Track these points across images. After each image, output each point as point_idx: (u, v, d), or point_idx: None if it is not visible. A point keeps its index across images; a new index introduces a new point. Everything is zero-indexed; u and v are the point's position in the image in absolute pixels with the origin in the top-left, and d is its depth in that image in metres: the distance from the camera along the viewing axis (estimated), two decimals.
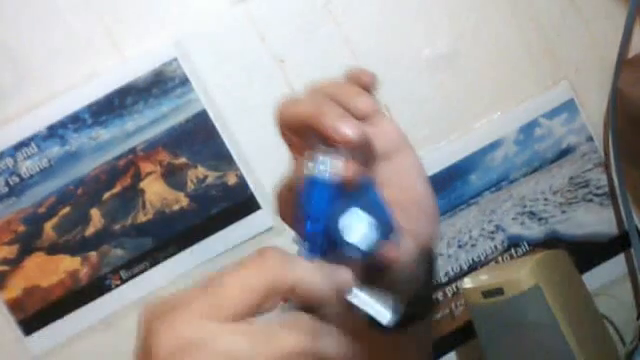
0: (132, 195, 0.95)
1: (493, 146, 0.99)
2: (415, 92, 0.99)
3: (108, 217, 0.95)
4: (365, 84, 0.44)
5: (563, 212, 1.00)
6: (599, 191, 1.00)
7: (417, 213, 0.45)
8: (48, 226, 0.94)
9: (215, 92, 0.96)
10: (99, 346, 0.95)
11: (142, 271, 0.95)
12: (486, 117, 1.00)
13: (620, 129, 0.97)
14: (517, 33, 1.00)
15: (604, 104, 1.01)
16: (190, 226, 0.96)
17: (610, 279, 1.01)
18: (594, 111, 1.01)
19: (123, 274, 0.95)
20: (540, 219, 1.00)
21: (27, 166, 0.94)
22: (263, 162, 0.95)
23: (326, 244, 0.40)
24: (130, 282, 0.95)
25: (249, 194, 0.96)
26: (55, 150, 0.94)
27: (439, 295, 0.99)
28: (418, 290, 0.49)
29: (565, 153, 1.00)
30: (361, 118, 0.41)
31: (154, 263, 0.95)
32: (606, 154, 1.00)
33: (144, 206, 0.95)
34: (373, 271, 0.42)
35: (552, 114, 0.99)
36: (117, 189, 0.95)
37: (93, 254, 0.95)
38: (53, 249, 0.94)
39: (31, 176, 0.94)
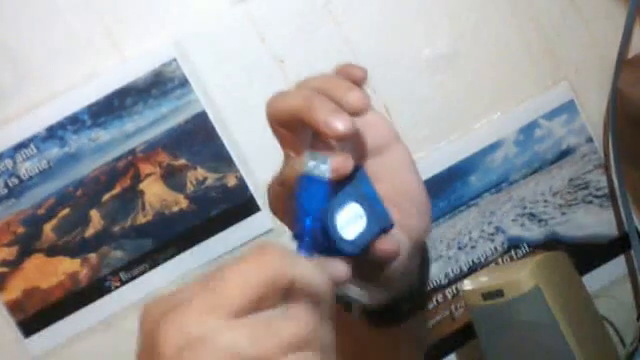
0: (132, 196, 0.95)
1: (493, 147, 0.99)
2: (415, 92, 0.99)
3: (108, 218, 0.95)
4: (356, 78, 0.44)
5: (563, 214, 1.00)
6: (599, 192, 1.00)
7: (409, 207, 0.46)
8: (48, 227, 0.94)
9: (215, 93, 0.96)
10: (99, 347, 0.95)
11: (142, 272, 0.95)
12: (486, 118, 1.00)
13: (620, 130, 0.97)
14: (517, 33, 1.00)
15: (604, 105, 1.01)
16: (190, 228, 0.96)
17: (610, 280, 1.01)
18: (594, 112, 1.01)
19: (123, 275, 0.95)
20: (540, 221, 0.99)
21: (26, 167, 0.94)
22: (263, 164, 0.95)
23: (322, 239, 0.40)
24: (130, 284, 0.95)
25: (249, 196, 0.96)
26: (54, 151, 0.94)
27: (439, 297, 0.99)
28: (412, 284, 0.49)
29: (565, 154, 1.00)
30: (352, 112, 0.41)
31: (154, 265, 0.95)
32: (606, 155, 1.00)
33: (144, 207, 0.95)
34: (368, 266, 0.42)
35: (552, 115, 0.99)
36: (117, 190, 0.95)
37: (93, 255, 0.95)
38: (53, 250, 0.94)
39: (30, 177, 0.94)
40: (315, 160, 0.41)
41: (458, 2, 0.99)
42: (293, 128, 0.43)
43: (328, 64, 0.45)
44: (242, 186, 0.96)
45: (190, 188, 0.95)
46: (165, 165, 0.95)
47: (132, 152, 0.95)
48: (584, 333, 0.82)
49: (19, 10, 0.94)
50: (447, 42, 0.99)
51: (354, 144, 0.45)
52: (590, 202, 1.00)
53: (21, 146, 0.93)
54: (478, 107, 1.00)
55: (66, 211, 0.94)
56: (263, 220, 0.96)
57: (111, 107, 0.94)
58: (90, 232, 0.95)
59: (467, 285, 0.88)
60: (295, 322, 0.34)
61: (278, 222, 0.47)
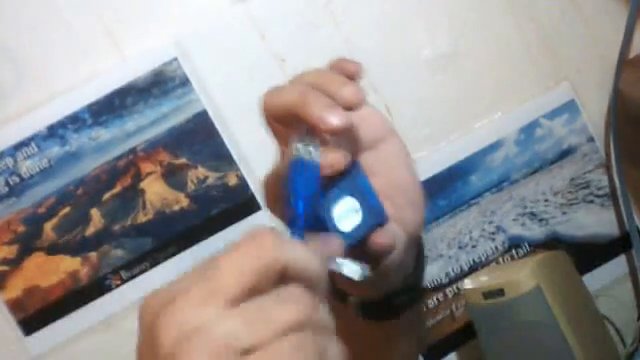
0: (132, 195, 0.95)
1: (494, 147, 0.99)
2: (415, 92, 0.99)
3: (108, 217, 0.95)
4: (350, 73, 0.44)
5: (564, 213, 1.00)
6: (600, 192, 1.00)
7: (404, 201, 0.46)
8: (48, 226, 0.94)
9: (215, 92, 0.96)
10: (99, 346, 0.95)
11: (142, 271, 0.95)
12: (487, 117, 1.00)
13: (621, 129, 0.97)
14: (517, 33, 1.00)
15: (605, 104, 1.01)
16: (190, 226, 0.95)
17: (611, 280, 1.01)
18: (595, 111, 1.01)
19: (123, 274, 0.95)
20: (541, 220, 0.99)
21: (27, 166, 0.94)
22: (263, 162, 0.95)
23: (314, 222, 0.40)
24: (130, 282, 0.95)
25: (249, 195, 0.96)
26: (55, 150, 0.94)
27: (440, 296, 0.99)
28: (407, 277, 0.49)
29: (566, 154, 1.00)
30: (346, 107, 0.42)
31: (154, 263, 0.95)
32: (607, 155, 1.00)
33: (144, 206, 0.95)
34: (364, 260, 0.42)
35: (553, 115, 0.99)
36: (117, 189, 0.95)
37: (93, 254, 0.95)
38: (53, 249, 0.94)
39: (31, 176, 0.94)
40: (304, 144, 0.41)
41: (458, 2, 0.99)
42: (287, 123, 0.43)
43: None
44: (243, 185, 0.96)
45: (191, 187, 0.95)
46: (166, 164, 0.95)
47: (133, 151, 0.95)
48: (584, 333, 0.82)
49: (19, 10, 0.94)
50: (447, 42, 0.99)
51: (349, 138, 0.45)
52: (591, 202, 1.00)
53: (22, 145, 0.93)
54: (479, 107, 1.00)
55: (67, 210, 0.94)
56: (264, 219, 0.95)
57: (112, 106, 0.94)
58: (91, 231, 0.95)
59: (468, 284, 0.88)
60: (290, 306, 0.34)
61: (279, 221, 0.47)
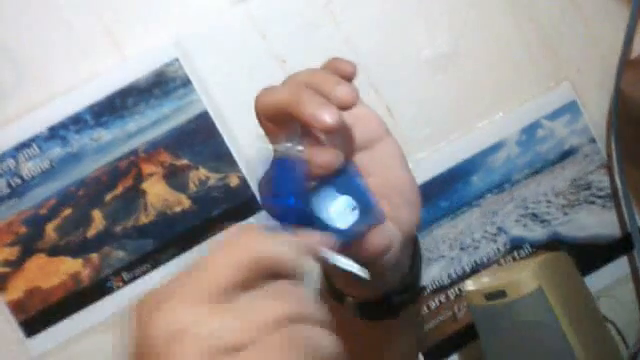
0: (134, 196, 0.95)
1: (495, 147, 0.99)
2: (416, 93, 0.99)
3: (110, 218, 0.95)
4: (345, 73, 0.44)
5: (565, 214, 1.00)
6: (601, 193, 1.00)
7: (400, 200, 0.46)
8: (49, 227, 0.94)
9: (216, 93, 0.96)
10: (101, 347, 0.95)
11: (144, 273, 0.95)
12: (488, 118, 1.00)
13: (623, 130, 0.97)
14: (518, 33, 1.00)
15: (606, 105, 1.01)
16: (192, 228, 0.95)
17: (613, 281, 1.00)
18: (596, 112, 1.01)
19: (125, 276, 0.95)
20: (542, 221, 0.99)
21: (29, 167, 0.93)
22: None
23: (303, 219, 0.41)
24: (132, 284, 0.95)
25: (251, 196, 0.96)
26: (56, 151, 0.94)
27: (442, 297, 0.99)
28: (404, 277, 0.49)
29: (567, 154, 1.00)
30: (340, 106, 0.42)
31: (156, 265, 0.95)
32: (609, 156, 1.00)
33: (146, 207, 0.95)
34: (359, 259, 0.43)
35: (554, 115, 0.99)
36: (119, 190, 0.94)
37: (94, 256, 0.95)
38: (54, 251, 0.94)
39: (32, 177, 0.93)
40: (291, 142, 0.41)
41: (458, 2, 0.99)
42: (281, 122, 0.43)
43: None
44: (244, 186, 0.95)
45: (192, 188, 0.95)
46: (167, 165, 0.95)
47: (134, 152, 0.94)
48: (586, 334, 0.82)
49: (19, 10, 0.94)
50: (448, 42, 0.99)
51: (344, 138, 0.45)
52: (592, 202, 1.00)
53: (23, 146, 0.93)
54: (480, 107, 1.00)
55: (68, 211, 0.94)
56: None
57: (113, 107, 0.94)
58: (92, 232, 0.94)
59: (469, 286, 0.88)
60: (278, 301, 0.34)
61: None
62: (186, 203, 0.95)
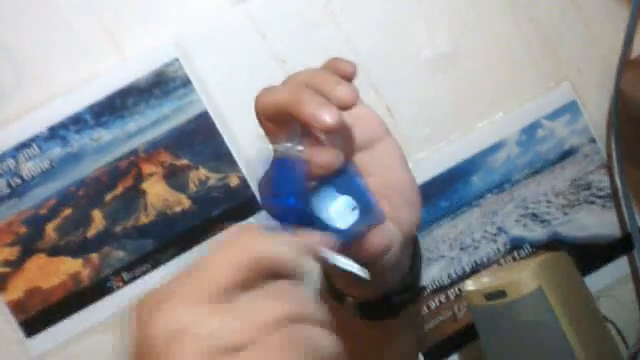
0: (134, 196, 0.95)
1: (495, 147, 0.99)
2: (416, 92, 0.99)
3: (110, 218, 0.94)
4: (345, 73, 0.44)
5: (565, 214, 1.00)
6: (601, 193, 1.00)
7: (400, 200, 0.46)
8: (49, 227, 0.94)
9: (216, 93, 0.96)
10: (101, 347, 0.95)
11: (144, 273, 0.95)
12: (488, 118, 1.00)
13: (623, 130, 0.97)
14: (517, 33, 1.00)
15: (606, 105, 1.01)
16: (192, 228, 0.95)
17: (612, 281, 1.00)
18: (596, 112, 1.01)
19: (125, 276, 0.95)
20: (542, 221, 0.99)
21: (29, 167, 0.93)
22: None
23: (302, 219, 0.41)
24: (132, 284, 0.95)
25: (251, 196, 0.95)
26: (56, 151, 0.94)
27: (441, 297, 0.99)
28: (404, 277, 0.49)
29: (567, 155, 1.00)
30: (340, 106, 0.42)
31: (156, 265, 0.95)
32: (609, 156, 1.00)
33: (146, 208, 0.95)
34: (359, 259, 0.43)
35: (554, 115, 0.99)
36: (119, 190, 0.94)
37: (94, 256, 0.95)
38: (54, 251, 0.94)
39: (32, 177, 0.93)
40: (291, 142, 0.41)
41: (458, 2, 0.99)
42: (281, 122, 0.43)
43: None
44: (244, 186, 0.95)
45: (192, 188, 0.95)
46: (167, 165, 0.95)
47: (134, 152, 0.94)
48: (586, 334, 0.82)
49: (19, 10, 0.94)
50: (448, 41, 0.99)
51: (344, 138, 0.45)
52: (592, 202, 1.00)
53: (23, 146, 0.93)
54: (480, 107, 1.00)
55: (68, 211, 0.94)
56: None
57: (113, 107, 0.94)
58: (92, 232, 0.94)
59: (469, 286, 0.88)
60: (278, 301, 0.34)
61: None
62: (186, 203, 0.95)
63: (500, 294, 0.82)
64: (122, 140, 0.94)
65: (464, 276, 0.98)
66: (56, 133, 0.94)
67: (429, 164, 0.97)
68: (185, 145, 0.95)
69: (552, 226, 0.99)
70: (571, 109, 0.99)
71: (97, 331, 0.95)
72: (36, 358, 0.95)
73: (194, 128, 0.95)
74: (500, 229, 0.99)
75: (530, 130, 0.99)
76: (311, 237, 0.40)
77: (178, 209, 0.95)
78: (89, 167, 0.94)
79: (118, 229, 0.95)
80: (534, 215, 0.99)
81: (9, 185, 0.93)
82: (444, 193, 0.98)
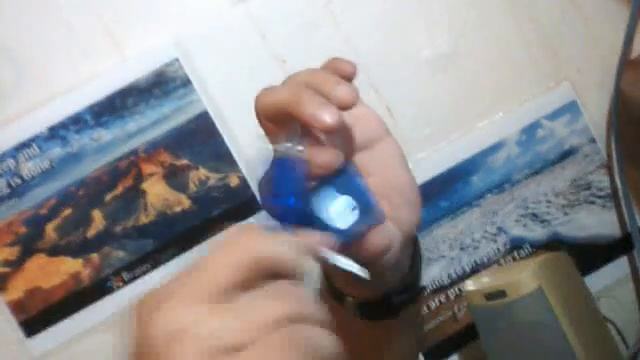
0: (134, 196, 0.95)
1: (495, 147, 0.99)
2: (416, 92, 0.99)
3: (110, 218, 0.94)
4: (345, 73, 0.44)
5: (565, 214, 1.00)
6: (601, 193, 1.00)
7: (400, 200, 0.46)
8: (49, 227, 0.94)
9: (216, 93, 0.96)
10: (101, 347, 0.95)
11: (144, 273, 0.95)
12: (488, 118, 1.00)
13: (623, 130, 0.97)
14: (517, 33, 1.00)
15: (606, 105, 1.01)
16: (192, 228, 0.95)
17: (613, 281, 1.00)
18: (596, 112, 1.01)
19: (125, 276, 0.95)
20: (542, 221, 0.99)
21: (29, 167, 0.93)
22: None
23: (303, 220, 0.41)
24: (132, 284, 0.95)
25: (251, 196, 0.95)
26: (56, 151, 0.94)
27: (441, 297, 0.99)
28: (404, 277, 0.49)
29: (567, 155, 1.00)
30: (340, 106, 0.42)
31: (156, 265, 0.95)
32: (609, 156, 1.00)
33: (146, 208, 0.95)
34: (360, 260, 0.43)
35: (554, 115, 0.99)
36: (119, 190, 0.94)
37: (95, 256, 0.95)
38: (54, 251, 0.94)
39: (32, 177, 0.93)
40: (291, 142, 0.41)
41: (458, 2, 0.99)
42: (281, 122, 0.43)
43: None
44: (244, 186, 0.95)
45: (192, 188, 0.95)
46: (167, 165, 0.95)
47: (134, 152, 0.94)
48: (586, 334, 0.82)
49: (19, 10, 0.94)
50: (448, 41, 0.99)
51: (344, 138, 0.45)
52: (592, 202, 1.00)
53: (23, 146, 0.93)
54: (480, 107, 1.00)
55: (68, 211, 0.94)
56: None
57: (113, 107, 0.94)
58: (92, 232, 0.94)
59: (469, 286, 0.88)
60: (278, 301, 0.34)
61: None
62: (186, 203, 0.95)
63: (500, 294, 0.82)
64: (122, 140, 0.94)
65: (464, 276, 0.98)
66: (56, 133, 0.94)
67: (429, 164, 0.97)
68: (185, 145, 0.95)
69: (552, 226, 0.99)
70: (571, 109, 0.99)
71: (97, 331, 0.95)
72: (36, 358, 0.95)
73: (194, 128, 0.95)
74: (500, 229, 0.99)
75: (530, 130, 0.99)
76: (311, 237, 0.40)
77: (178, 209, 0.95)
78: (89, 167, 0.94)
79: (118, 229, 0.95)
80: (534, 215, 0.99)
81: (9, 185, 0.93)
82: (444, 193, 0.98)
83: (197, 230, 0.95)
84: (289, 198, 0.40)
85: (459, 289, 0.98)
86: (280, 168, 0.41)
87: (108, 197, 0.94)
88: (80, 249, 0.94)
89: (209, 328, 0.33)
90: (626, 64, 0.97)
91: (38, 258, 0.94)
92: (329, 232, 0.41)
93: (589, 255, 0.99)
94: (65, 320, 0.94)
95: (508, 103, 1.00)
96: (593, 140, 1.00)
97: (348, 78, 0.44)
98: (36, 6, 0.94)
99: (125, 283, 0.95)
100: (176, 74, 0.94)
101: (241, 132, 0.96)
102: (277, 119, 0.44)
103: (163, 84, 0.94)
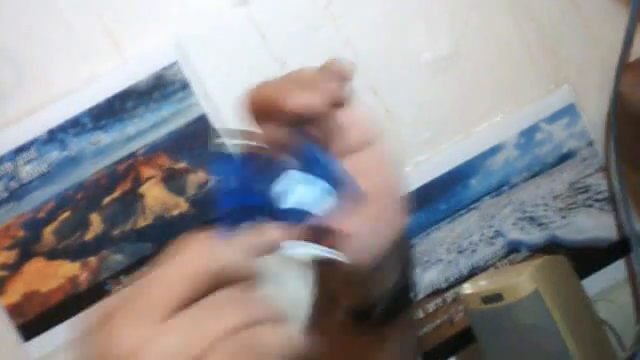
0: (132, 200, 0.95)
1: (494, 150, 0.99)
2: (415, 95, 0.99)
3: (108, 222, 0.95)
4: (340, 73, 0.44)
5: (563, 217, 1.00)
6: (599, 196, 1.00)
7: (386, 204, 0.46)
8: (48, 231, 0.94)
9: (215, 96, 0.96)
10: None
11: (142, 276, 0.95)
12: (487, 121, 1.00)
13: (621, 133, 0.97)
14: (517, 34, 1.00)
15: (605, 108, 1.00)
16: (190, 231, 0.95)
17: (610, 284, 1.00)
18: (595, 115, 1.01)
19: (123, 279, 0.95)
20: (540, 224, 0.99)
21: (27, 171, 0.93)
22: None
23: (245, 215, 0.40)
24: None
25: None
26: (55, 155, 0.94)
27: (439, 301, 0.99)
28: (396, 281, 0.49)
29: (566, 158, 0.99)
30: (330, 103, 0.42)
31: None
32: (607, 159, 1.00)
33: (144, 211, 0.95)
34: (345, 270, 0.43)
35: (553, 118, 0.99)
36: (117, 194, 0.94)
37: (92, 259, 0.95)
38: (52, 254, 0.94)
39: (31, 181, 0.93)
40: (228, 137, 0.41)
41: (458, 3, 0.99)
42: (266, 118, 0.43)
43: None
44: None
45: (191, 191, 0.95)
46: (166, 168, 0.95)
47: (133, 155, 0.94)
48: (584, 337, 0.82)
49: (19, 10, 0.94)
50: (448, 44, 0.99)
51: (335, 135, 0.45)
52: (590, 206, 1.00)
53: (22, 149, 0.93)
54: (479, 110, 1.00)
55: (66, 214, 0.94)
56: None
57: (112, 110, 0.94)
58: (90, 235, 0.94)
59: (467, 289, 0.88)
60: (225, 311, 0.34)
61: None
62: (184, 206, 0.95)
63: (497, 297, 0.82)
64: (121, 143, 0.94)
65: (461, 279, 0.98)
66: (55, 136, 0.94)
67: (428, 167, 0.97)
68: (184, 148, 0.95)
69: (550, 229, 0.99)
70: (569, 112, 0.99)
71: None
72: None
73: (193, 131, 0.95)
74: (498, 232, 0.99)
75: (529, 133, 0.99)
76: (270, 231, 0.39)
77: (176, 212, 0.95)
78: (87, 170, 0.94)
79: (116, 232, 0.95)
80: (532, 218, 0.99)
81: (7, 188, 0.93)
82: (443, 196, 0.98)
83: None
84: (224, 198, 0.40)
85: (456, 292, 0.98)
86: (215, 167, 0.41)
87: (106, 200, 0.94)
88: (78, 252, 0.94)
89: (162, 346, 0.33)
90: (625, 67, 0.97)
91: (36, 262, 0.94)
92: (303, 220, 0.41)
93: (586, 258, 0.99)
94: (63, 324, 0.94)
95: (507, 105, 1.00)
96: (591, 143, 1.00)
97: (345, 79, 0.44)
98: (36, 6, 0.94)
99: (123, 287, 0.95)
100: (175, 77, 0.94)
101: None
102: (262, 115, 0.44)
103: (162, 87, 0.94)
